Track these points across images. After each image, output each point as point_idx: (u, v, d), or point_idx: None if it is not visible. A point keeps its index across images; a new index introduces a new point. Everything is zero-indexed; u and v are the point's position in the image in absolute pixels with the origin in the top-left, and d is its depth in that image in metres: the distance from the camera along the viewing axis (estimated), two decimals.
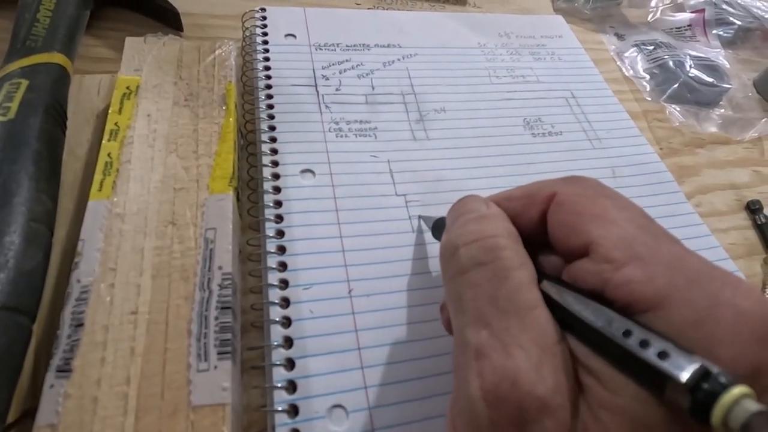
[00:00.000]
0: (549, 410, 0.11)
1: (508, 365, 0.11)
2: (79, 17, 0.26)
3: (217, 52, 0.25)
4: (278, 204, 0.22)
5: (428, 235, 0.23)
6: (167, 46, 0.25)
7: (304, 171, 0.24)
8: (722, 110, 0.37)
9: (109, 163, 0.20)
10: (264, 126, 0.25)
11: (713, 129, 0.36)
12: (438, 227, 0.20)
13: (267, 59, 0.29)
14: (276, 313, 0.19)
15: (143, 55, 0.24)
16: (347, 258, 0.21)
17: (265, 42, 0.30)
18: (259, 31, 0.30)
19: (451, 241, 0.15)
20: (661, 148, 0.33)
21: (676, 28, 0.44)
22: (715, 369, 0.10)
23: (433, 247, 0.23)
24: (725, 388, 0.09)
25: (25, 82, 0.21)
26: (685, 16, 0.44)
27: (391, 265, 0.21)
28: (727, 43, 0.43)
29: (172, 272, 0.17)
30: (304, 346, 0.18)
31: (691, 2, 0.45)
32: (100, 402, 0.14)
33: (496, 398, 0.11)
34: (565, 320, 0.12)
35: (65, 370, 0.15)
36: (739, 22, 0.43)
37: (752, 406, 0.09)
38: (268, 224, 0.21)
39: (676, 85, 0.37)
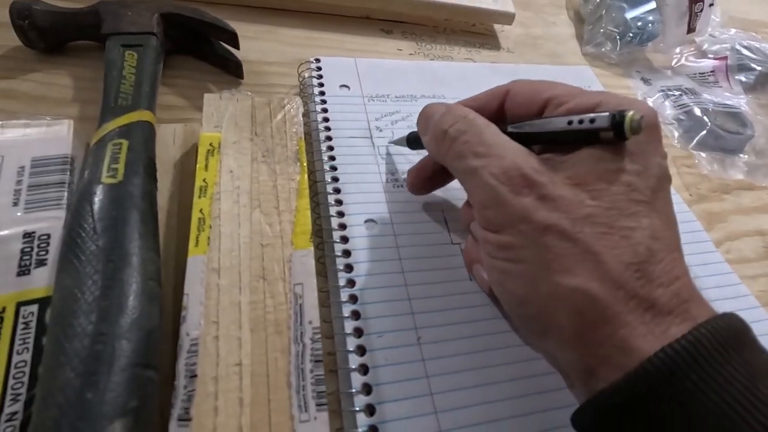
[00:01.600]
0: (541, 173, 0.17)
1: (506, 162, 0.18)
2: (157, 71, 0.29)
3: (286, 108, 0.28)
4: (347, 254, 0.24)
5: None
6: (241, 102, 0.27)
7: (368, 221, 0.26)
8: (747, 156, 0.39)
9: (201, 219, 0.22)
10: (328, 177, 0.27)
11: (740, 176, 0.37)
12: (413, 139, 0.27)
13: (325, 111, 0.31)
14: (353, 360, 0.21)
15: (221, 111, 0.27)
16: (413, 306, 0.23)
17: (322, 93, 0.32)
18: (315, 81, 0.33)
19: (437, 129, 0.21)
20: (690, 195, 0.35)
21: (700, 73, 0.46)
22: (619, 111, 0.17)
23: None
24: (626, 113, 0.17)
25: (125, 143, 0.23)
26: (708, 63, 0.46)
27: (456, 312, 0.23)
28: (749, 88, 0.45)
29: (267, 326, 0.19)
30: (381, 393, 0.20)
31: (714, 48, 0.47)
32: None
33: (508, 178, 0.18)
34: (528, 142, 0.19)
35: (185, 419, 0.17)
36: (759, 68, 0.46)
37: (637, 115, 0.17)
38: (339, 274, 0.23)
39: (703, 133, 0.39)
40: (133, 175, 0.22)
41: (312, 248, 0.22)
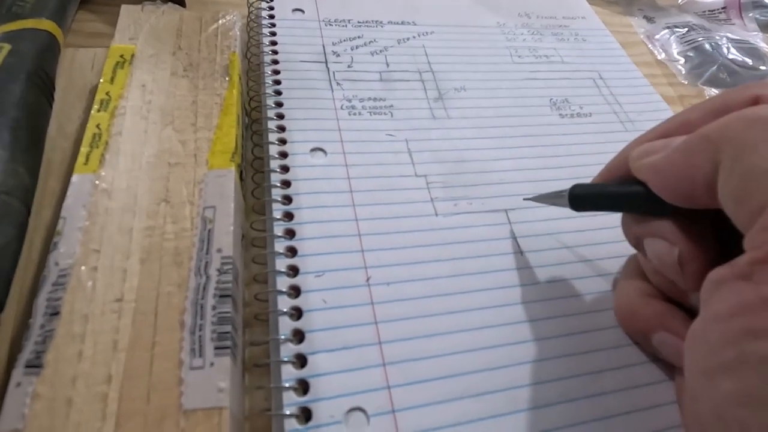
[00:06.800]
0: None
1: None
2: None
3: (220, 22, 0.23)
4: (286, 184, 0.20)
5: (459, 218, 0.21)
6: (166, 15, 0.23)
7: (314, 150, 0.22)
8: None
9: (97, 135, 0.18)
10: (270, 102, 0.23)
11: None
12: (583, 195, 0.18)
13: (273, 34, 0.27)
14: (284, 303, 0.17)
15: (140, 23, 0.22)
16: (364, 242, 0.19)
17: (272, 17, 0.28)
18: (264, 5, 0.28)
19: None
20: None
21: (710, 11, 0.41)
22: None
23: (463, 231, 0.20)
24: None
25: (6, 47, 0.19)
26: None
27: (414, 251, 0.19)
28: (764, 27, 0.40)
29: (163, 255, 0.15)
30: (316, 341, 0.16)
31: None
32: (75, 404, 0.12)
33: None
34: None
35: (35, 365, 0.13)
36: None
37: None
38: (275, 205, 0.19)
39: (714, 68, 0.34)
40: (8, 81, 0.17)
41: (233, 168, 0.18)
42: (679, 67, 0.35)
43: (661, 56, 0.36)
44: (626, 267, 0.19)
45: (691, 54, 0.36)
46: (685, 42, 0.37)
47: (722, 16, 0.41)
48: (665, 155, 0.14)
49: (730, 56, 0.35)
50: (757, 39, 0.39)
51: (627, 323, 0.18)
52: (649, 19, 0.40)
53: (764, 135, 0.11)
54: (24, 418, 0.12)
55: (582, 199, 0.18)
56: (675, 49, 0.36)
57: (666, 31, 0.38)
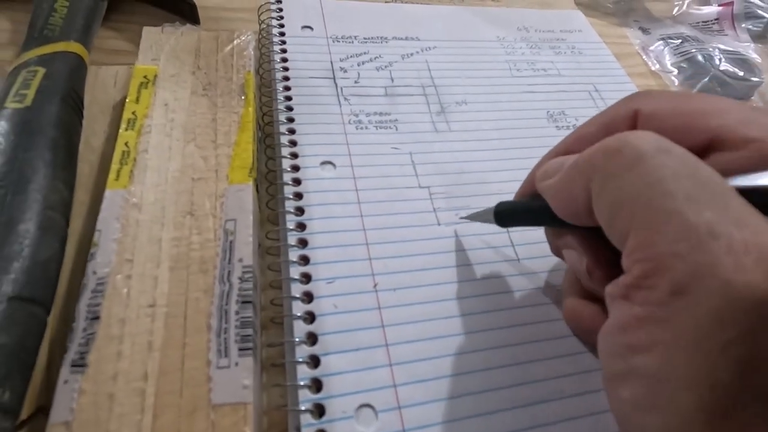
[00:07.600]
0: None
1: (760, 238, 0.10)
2: (96, 8, 0.26)
3: (235, 42, 0.25)
4: (298, 196, 0.22)
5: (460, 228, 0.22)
6: (185, 36, 0.25)
7: (324, 163, 0.23)
8: (753, 105, 0.36)
9: (126, 153, 0.19)
10: (282, 117, 0.25)
11: None
12: (505, 212, 0.19)
13: (284, 51, 0.28)
14: (298, 308, 0.18)
15: (161, 44, 0.24)
16: (371, 251, 0.20)
17: (282, 34, 0.29)
18: (275, 23, 0.30)
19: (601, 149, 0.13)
20: None
21: (703, 21, 0.42)
22: None
23: (464, 239, 0.22)
24: None
25: (41, 70, 0.20)
26: (712, 10, 0.42)
27: (418, 259, 0.20)
28: (757, 37, 0.42)
29: (190, 264, 0.17)
30: (328, 343, 0.17)
31: None
32: (117, 399, 0.14)
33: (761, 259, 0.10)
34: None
35: (80, 364, 0.14)
36: None
37: None
38: (288, 216, 0.21)
39: (706, 79, 0.35)
40: (45, 103, 0.19)
41: (251, 183, 0.19)
42: (673, 78, 0.37)
43: (655, 67, 0.38)
44: (567, 273, 0.19)
45: (684, 65, 0.37)
46: (679, 53, 0.38)
47: (715, 27, 0.42)
48: (556, 179, 0.15)
49: (722, 67, 0.36)
50: (749, 49, 0.40)
51: (574, 327, 0.18)
52: (645, 31, 0.41)
53: (623, 165, 0.12)
54: (72, 411, 0.13)
55: (504, 215, 0.19)
56: (669, 61, 0.38)
57: (660, 42, 0.39)
